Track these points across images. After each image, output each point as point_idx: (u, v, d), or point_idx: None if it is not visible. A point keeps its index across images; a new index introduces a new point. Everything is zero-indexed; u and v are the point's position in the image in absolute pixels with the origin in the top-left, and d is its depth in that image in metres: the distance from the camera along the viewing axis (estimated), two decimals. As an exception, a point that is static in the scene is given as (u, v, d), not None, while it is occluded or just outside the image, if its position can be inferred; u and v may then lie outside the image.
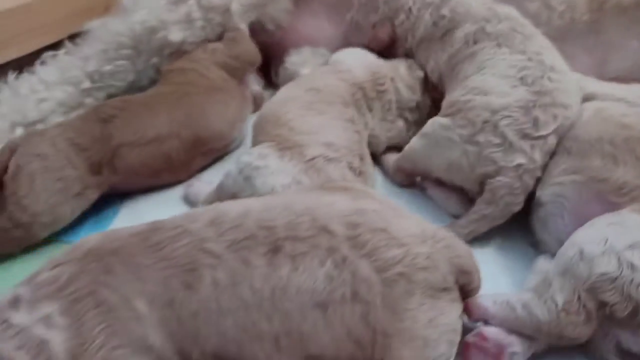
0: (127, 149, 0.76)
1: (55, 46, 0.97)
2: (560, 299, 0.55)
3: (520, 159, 0.69)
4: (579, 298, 0.54)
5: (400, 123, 0.86)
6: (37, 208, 0.70)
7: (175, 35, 0.92)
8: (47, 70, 0.91)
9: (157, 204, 0.79)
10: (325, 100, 0.78)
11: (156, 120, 0.79)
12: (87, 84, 0.91)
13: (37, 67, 0.92)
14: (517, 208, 0.71)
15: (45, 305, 0.47)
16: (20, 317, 0.47)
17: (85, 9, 1.02)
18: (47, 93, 0.88)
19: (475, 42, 0.79)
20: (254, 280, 0.49)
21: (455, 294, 0.54)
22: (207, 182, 0.81)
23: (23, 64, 0.94)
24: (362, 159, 0.74)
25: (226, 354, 0.49)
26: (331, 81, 0.82)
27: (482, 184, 0.71)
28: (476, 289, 0.56)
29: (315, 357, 0.48)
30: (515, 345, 0.56)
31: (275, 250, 0.50)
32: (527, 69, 0.72)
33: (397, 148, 0.84)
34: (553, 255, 0.62)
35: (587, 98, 0.74)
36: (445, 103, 0.78)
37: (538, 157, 0.69)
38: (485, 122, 0.70)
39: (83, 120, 0.78)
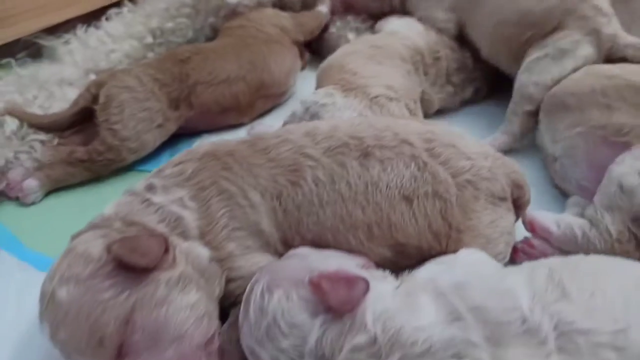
0: (202, 87, 0.86)
1: (117, 5, 1.04)
2: (613, 231, 0.61)
3: None
4: (628, 228, 0.61)
5: (450, 88, 0.92)
6: (125, 133, 0.79)
7: (232, -3, 1.01)
8: (113, 25, 0.99)
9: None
10: (386, 55, 0.85)
11: (226, 64, 0.89)
12: (149, 39, 0.99)
13: (103, 22, 1.00)
14: None
15: (177, 191, 0.55)
16: (158, 198, 0.55)
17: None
18: (115, 45, 0.96)
19: None
20: (350, 177, 0.57)
21: (510, 204, 0.62)
22: (268, 125, 0.89)
23: (89, 19, 1.01)
24: (415, 102, 0.82)
25: (323, 242, 0.57)
26: (392, 42, 0.89)
27: None
28: (527, 202, 0.65)
29: (401, 244, 0.57)
30: (557, 256, 0.63)
31: (365, 155, 0.58)
32: None
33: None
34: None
35: None
36: None
37: None
38: None
39: (162, 61, 0.87)
